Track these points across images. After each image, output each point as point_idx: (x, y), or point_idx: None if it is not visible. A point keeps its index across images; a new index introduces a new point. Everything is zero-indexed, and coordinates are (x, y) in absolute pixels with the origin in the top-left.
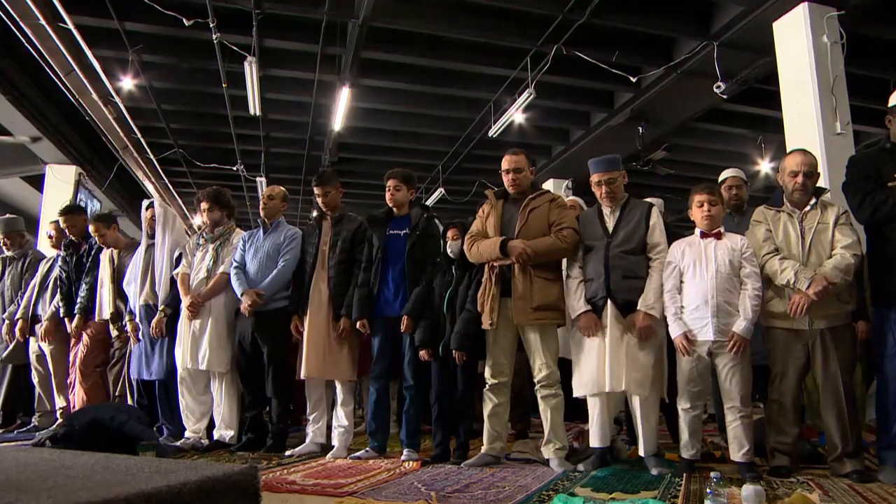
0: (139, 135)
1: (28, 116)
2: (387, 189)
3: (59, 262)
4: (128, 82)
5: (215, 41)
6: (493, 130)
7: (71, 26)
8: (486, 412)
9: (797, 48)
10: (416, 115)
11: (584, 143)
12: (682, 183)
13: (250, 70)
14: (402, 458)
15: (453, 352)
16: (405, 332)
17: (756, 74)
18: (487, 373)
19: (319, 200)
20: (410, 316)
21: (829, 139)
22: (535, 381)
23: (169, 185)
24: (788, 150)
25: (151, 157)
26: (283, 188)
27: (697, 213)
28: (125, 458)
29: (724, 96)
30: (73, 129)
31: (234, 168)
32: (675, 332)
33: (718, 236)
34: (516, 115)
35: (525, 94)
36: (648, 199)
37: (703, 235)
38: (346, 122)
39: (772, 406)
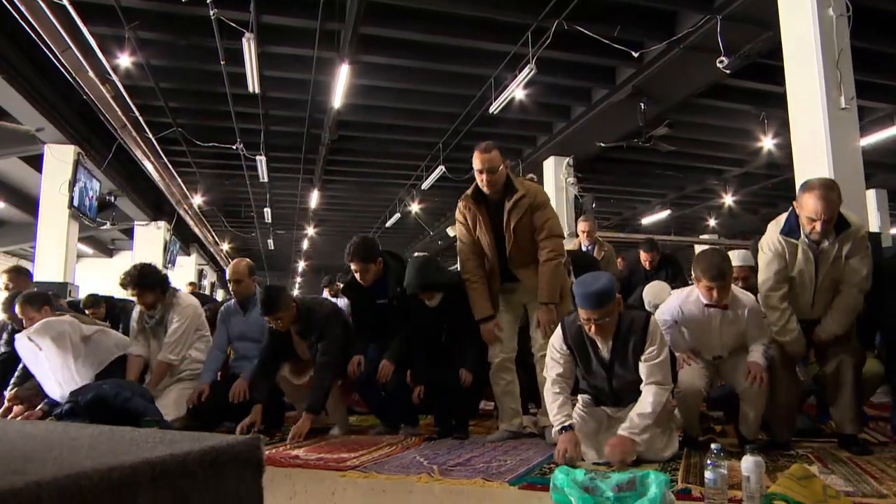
0: (137, 113)
1: (24, 95)
2: (354, 270)
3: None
4: (125, 59)
5: (212, 17)
6: (494, 107)
7: (65, 2)
8: (498, 391)
9: (802, 21)
10: (416, 92)
11: (586, 120)
12: (684, 160)
13: (248, 47)
14: (401, 432)
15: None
16: (382, 379)
17: (760, 49)
18: (493, 352)
19: (273, 325)
20: (390, 360)
21: (832, 114)
22: (536, 352)
23: (168, 164)
24: (807, 184)
25: (150, 135)
26: (247, 261)
27: (703, 293)
28: (129, 430)
29: (727, 71)
30: (70, 108)
31: (234, 147)
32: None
33: (724, 307)
34: (517, 91)
35: (526, 70)
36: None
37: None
38: (346, 99)
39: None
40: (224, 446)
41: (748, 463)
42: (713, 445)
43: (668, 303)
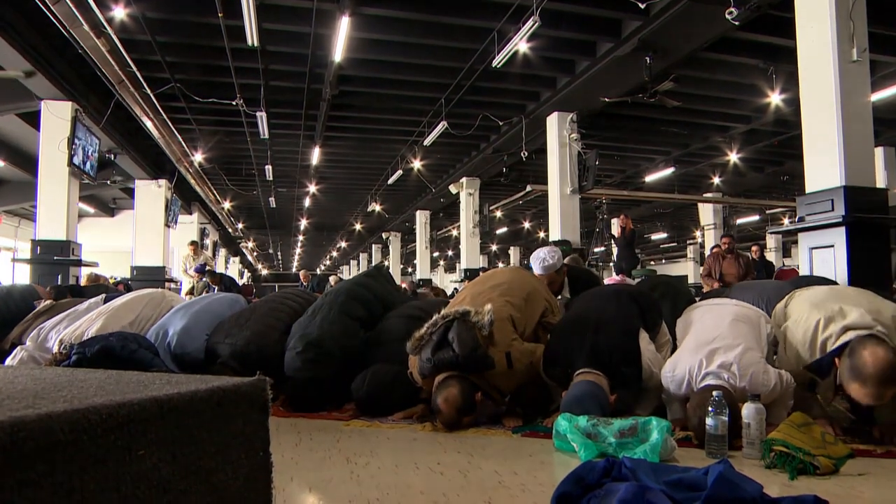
0: (134, 68)
1: (17, 48)
2: None
3: None
4: (119, 12)
5: None
6: (497, 61)
7: None
8: None
9: None
10: (417, 46)
11: (590, 75)
12: (689, 116)
13: None
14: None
15: None
16: None
17: None
18: None
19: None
20: None
21: (843, 67)
22: None
23: (167, 121)
24: (860, 370)
25: (149, 91)
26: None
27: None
28: (137, 374)
29: (736, 23)
30: (66, 63)
31: (234, 103)
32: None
33: None
34: (520, 44)
35: (529, 23)
36: None
37: None
38: (347, 53)
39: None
40: (230, 387)
41: (749, 409)
42: (714, 393)
43: None
